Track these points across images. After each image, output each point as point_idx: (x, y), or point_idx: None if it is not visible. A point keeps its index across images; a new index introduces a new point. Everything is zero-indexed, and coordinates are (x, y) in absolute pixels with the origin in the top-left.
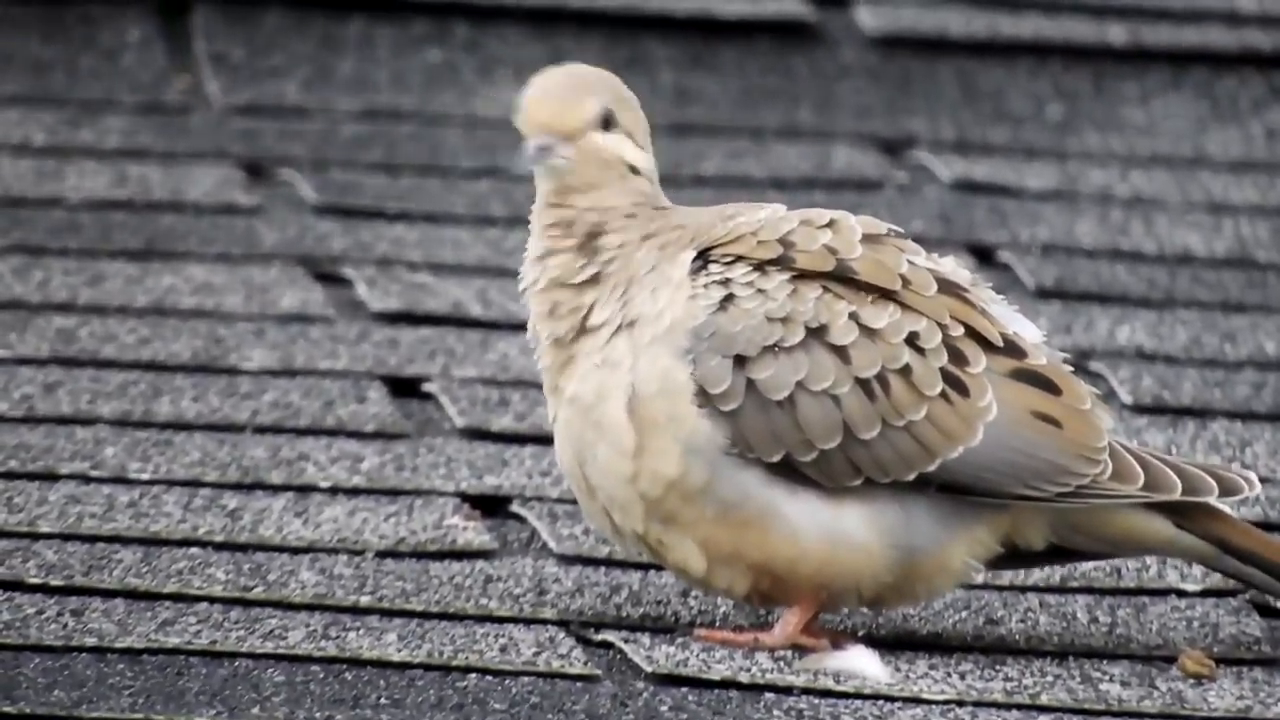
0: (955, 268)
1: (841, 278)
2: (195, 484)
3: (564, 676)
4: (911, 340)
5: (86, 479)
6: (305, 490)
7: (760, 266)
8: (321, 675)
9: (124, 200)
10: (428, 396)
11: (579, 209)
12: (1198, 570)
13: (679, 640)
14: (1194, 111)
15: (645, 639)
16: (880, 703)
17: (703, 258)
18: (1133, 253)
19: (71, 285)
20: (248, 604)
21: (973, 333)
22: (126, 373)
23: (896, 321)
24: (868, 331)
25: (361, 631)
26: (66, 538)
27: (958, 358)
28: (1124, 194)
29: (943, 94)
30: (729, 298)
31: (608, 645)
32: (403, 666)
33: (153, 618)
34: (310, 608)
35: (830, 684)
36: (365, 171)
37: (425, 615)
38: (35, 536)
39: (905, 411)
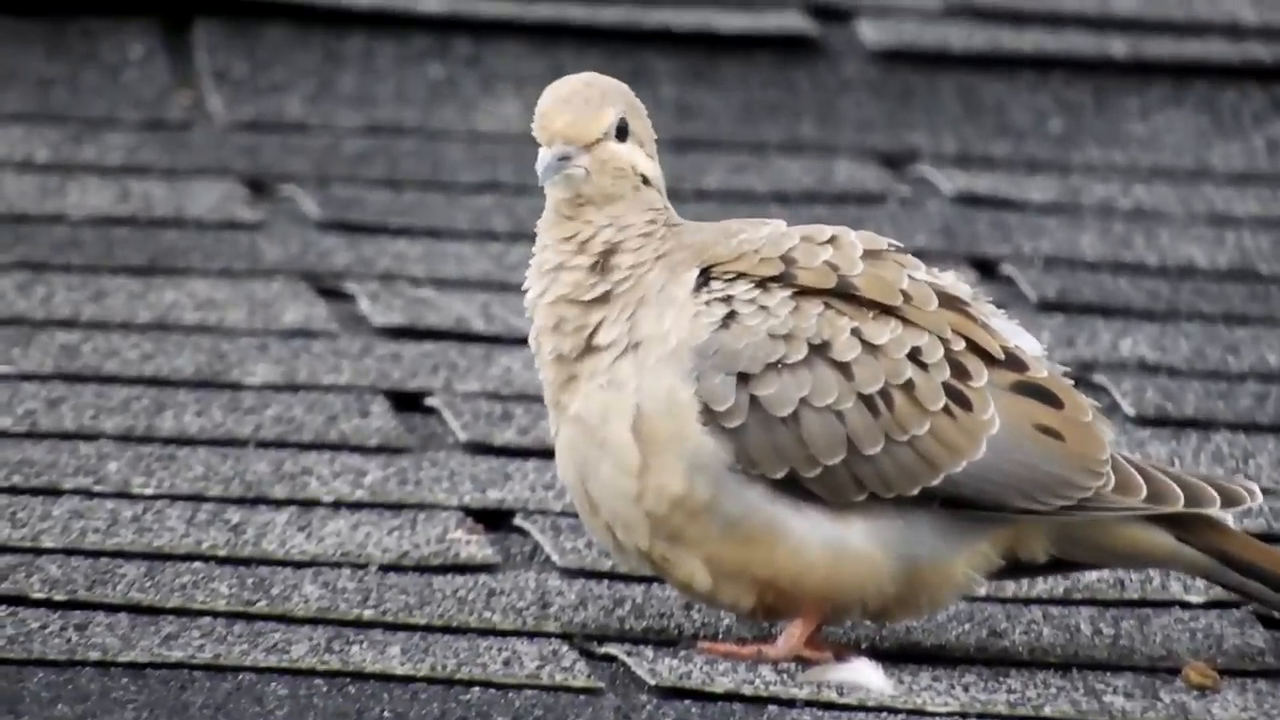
0: (956, 281)
1: (843, 294)
2: (198, 498)
3: (567, 690)
4: (914, 355)
5: (90, 494)
6: (308, 504)
7: (762, 284)
8: (325, 689)
9: (127, 216)
10: (430, 411)
11: (596, 225)
12: (1201, 582)
13: (682, 653)
14: (1196, 124)
15: (648, 652)
16: (883, 715)
17: (705, 275)
18: (1135, 265)
19: (74, 301)
20: (251, 618)
21: (974, 346)
22: (129, 388)
23: (899, 337)
24: (870, 347)
25: (365, 645)
26: (70, 552)
27: (960, 372)
28: (1126, 207)
29: (944, 108)
30: (732, 315)
31: (611, 658)
32: (406, 680)
33: (156, 632)
34: (313, 621)
35: (834, 696)
36: (367, 187)
37: (428, 629)
38: (39, 551)
39: (908, 426)
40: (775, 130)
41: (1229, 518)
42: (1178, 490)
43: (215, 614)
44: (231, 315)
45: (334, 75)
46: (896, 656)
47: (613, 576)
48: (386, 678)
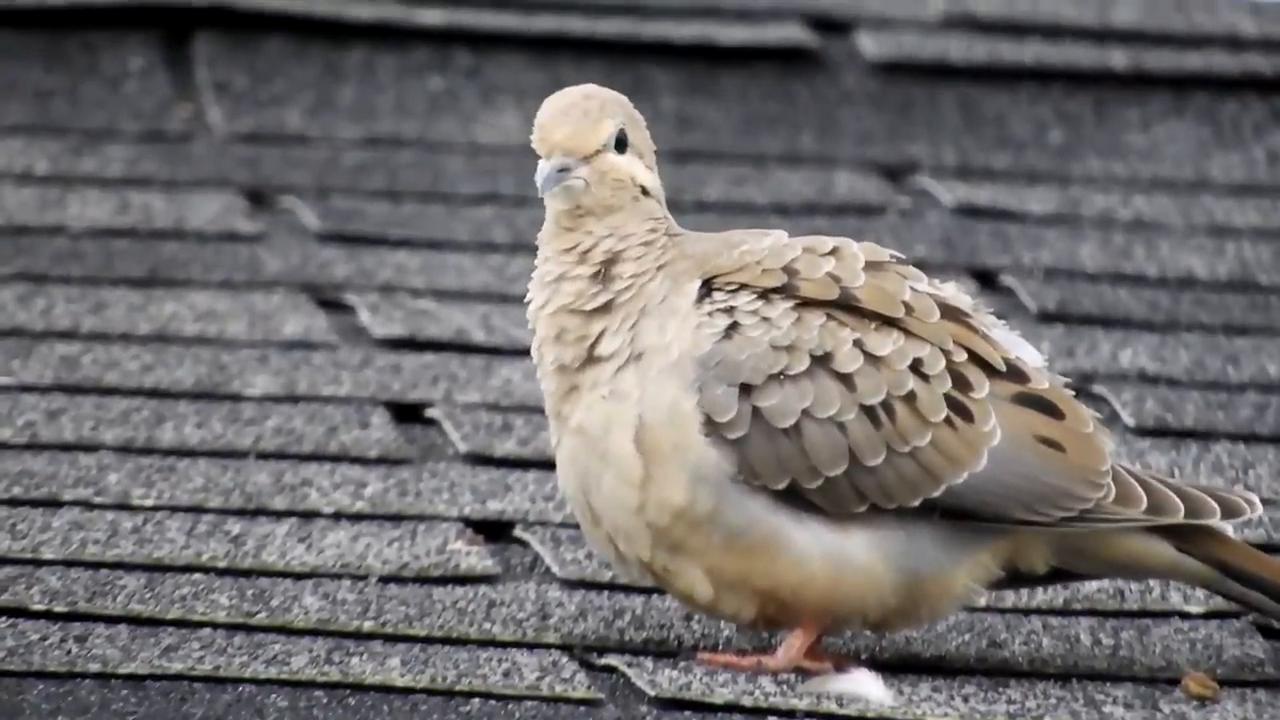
0: (957, 293)
1: (845, 305)
2: (198, 510)
3: (567, 701)
4: (915, 366)
5: (90, 505)
6: (308, 516)
7: (765, 295)
8: (325, 700)
9: (127, 228)
10: (430, 422)
11: (597, 235)
12: (1200, 592)
13: (682, 664)
14: (1196, 135)
15: (648, 663)
16: None
17: (708, 286)
18: (1135, 276)
19: (74, 313)
20: (251, 629)
21: (975, 358)
22: (130, 399)
23: (900, 348)
24: (872, 359)
25: (365, 656)
26: (70, 564)
27: (961, 383)
28: (1126, 218)
29: (944, 119)
30: (734, 326)
31: (611, 669)
32: (406, 691)
33: (156, 644)
34: (313, 633)
35: (833, 707)
36: (367, 198)
37: (428, 640)
38: (39, 563)
39: (910, 437)
40: (775, 142)
41: (1229, 528)
42: (1178, 501)
43: (215, 625)
44: (231, 327)
45: (334, 87)
46: (896, 667)
47: (613, 588)
48: (386, 689)
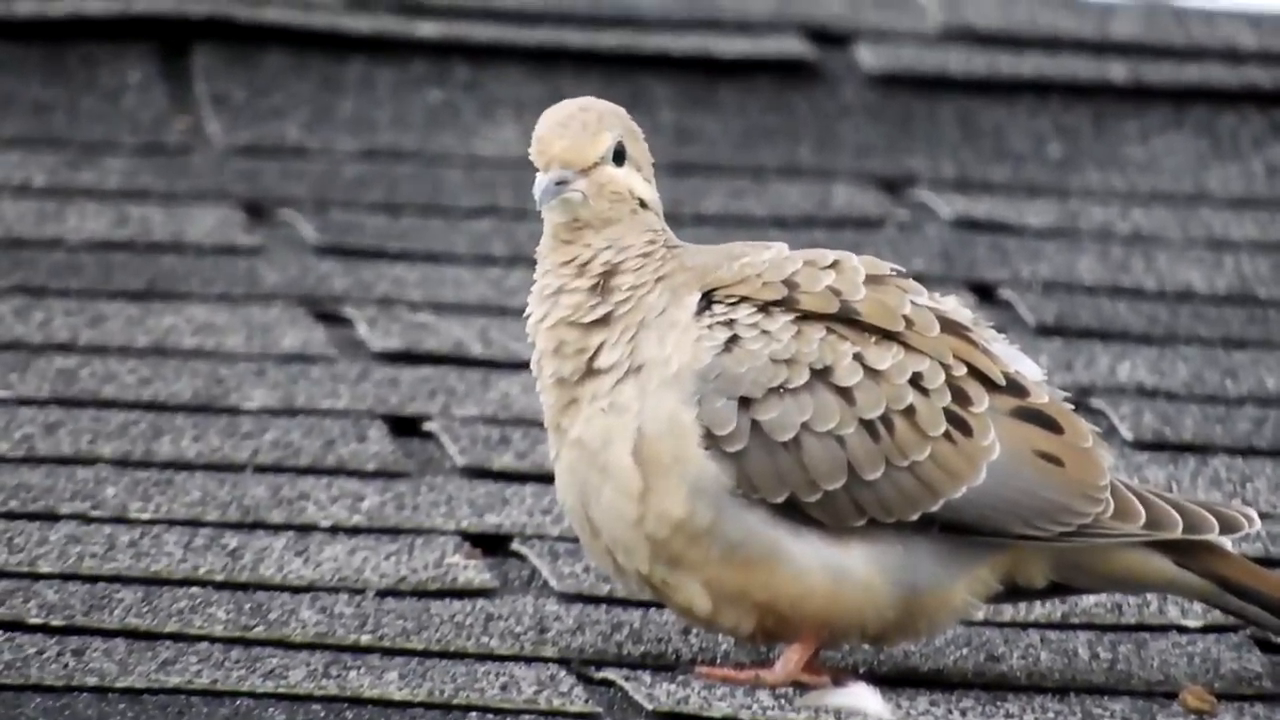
0: (957, 306)
1: (845, 319)
2: (196, 523)
3: (565, 715)
4: (915, 381)
5: (87, 519)
6: (306, 529)
7: (765, 308)
8: (323, 714)
9: (125, 241)
10: (428, 435)
11: (595, 248)
12: (1199, 606)
13: (680, 678)
14: (1195, 148)
15: (646, 677)
16: None
17: (707, 299)
18: (1134, 289)
19: (72, 326)
20: (248, 643)
21: (975, 372)
22: (127, 413)
23: (900, 362)
24: (872, 372)
25: (362, 670)
26: (67, 578)
27: (961, 397)
28: (1125, 231)
29: (943, 132)
30: (734, 339)
31: (609, 683)
32: (404, 705)
33: (153, 657)
34: (311, 647)
35: None
36: (366, 211)
37: (426, 654)
38: (36, 576)
39: (909, 452)
40: (774, 154)
41: (1227, 543)
42: (1176, 516)
43: (212, 639)
44: (229, 340)
45: (332, 100)
46: (894, 681)
47: (610, 601)
48: (384, 703)
